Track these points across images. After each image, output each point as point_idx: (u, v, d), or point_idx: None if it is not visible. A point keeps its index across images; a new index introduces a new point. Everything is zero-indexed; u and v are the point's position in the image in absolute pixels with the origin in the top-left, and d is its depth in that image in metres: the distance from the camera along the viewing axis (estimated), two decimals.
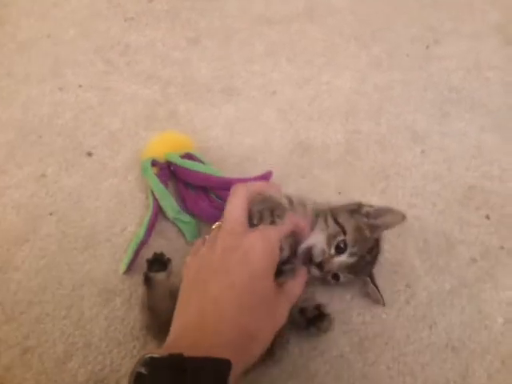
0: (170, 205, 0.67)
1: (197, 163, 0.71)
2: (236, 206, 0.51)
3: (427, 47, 1.00)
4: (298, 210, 0.58)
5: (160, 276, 0.59)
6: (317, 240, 0.55)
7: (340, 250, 0.55)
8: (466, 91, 0.90)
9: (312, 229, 0.56)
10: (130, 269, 0.63)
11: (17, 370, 0.55)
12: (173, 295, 0.48)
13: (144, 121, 0.83)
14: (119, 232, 0.68)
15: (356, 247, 0.55)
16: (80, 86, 0.89)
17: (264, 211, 0.51)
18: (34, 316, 0.59)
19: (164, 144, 0.73)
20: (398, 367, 0.57)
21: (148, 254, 0.63)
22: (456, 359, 0.58)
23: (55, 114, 0.84)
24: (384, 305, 0.61)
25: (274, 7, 1.08)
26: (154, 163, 0.71)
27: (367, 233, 0.56)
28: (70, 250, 0.66)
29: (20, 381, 0.54)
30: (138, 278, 0.62)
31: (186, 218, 0.67)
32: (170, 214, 0.67)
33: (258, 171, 0.71)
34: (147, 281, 0.59)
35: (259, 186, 0.56)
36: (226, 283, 0.45)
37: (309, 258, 0.55)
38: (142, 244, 0.64)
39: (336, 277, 0.57)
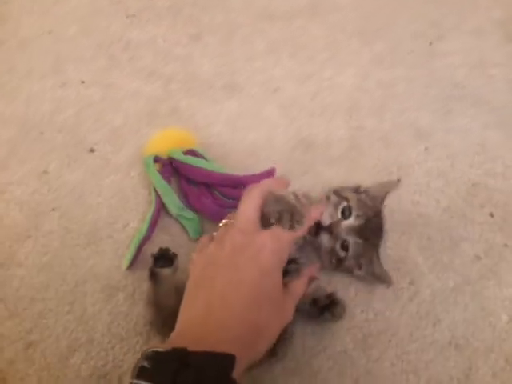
0: (173, 201, 0.67)
1: (199, 159, 0.71)
2: (249, 205, 0.51)
3: (430, 44, 1.00)
4: (303, 203, 0.58)
5: (166, 272, 0.58)
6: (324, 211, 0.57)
7: (346, 215, 0.57)
8: (469, 88, 0.90)
9: None
10: (132, 265, 0.63)
11: (20, 364, 0.55)
12: (178, 291, 0.48)
13: (146, 117, 0.83)
14: (122, 228, 0.68)
15: (361, 211, 0.57)
16: (82, 82, 0.89)
17: (284, 213, 0.51)
18: (36, 311, 0.59)
19: (166, 140, 0.73)
20: (401, 364, 0.57)
21: (151, 250, 0.62)
22: (459, 357, 0.58)
23: (57, 110, 0.84)
24: (391, 284, 0.61)
25: (276, 3, 1.07)
26: (156, 159, 0.71)
27: (369, 202, 0.59)
28: (73, 246, 0.66)
29: (23, 375, 0.54)
30: (141, 274, 0.62)
31: (189, 214, 0.67)
32: (173, 210, 0.67)
33: (261, 168, 0.71)
34: (152, 276, 0.58)
35: (271, 184, 0.55)
36: (234, 280, 0.44)
37: (318, 225, 0.56)
38: (145, 240, 0.64)
39: (345, 246, 0.57)
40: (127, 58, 0.94)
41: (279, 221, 0.50)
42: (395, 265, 0.65)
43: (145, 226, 0.65)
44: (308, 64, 0.94)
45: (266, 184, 0.55)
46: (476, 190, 0.73)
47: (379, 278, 0.61)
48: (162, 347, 0.39)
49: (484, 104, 0.87)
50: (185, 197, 0.70)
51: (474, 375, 0.57)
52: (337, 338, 0.58)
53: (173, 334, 0.43)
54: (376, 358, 0.57)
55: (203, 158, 0.72)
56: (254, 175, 0.69)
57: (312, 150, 0.78)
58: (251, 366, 0.50)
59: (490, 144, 0.80)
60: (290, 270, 0.52)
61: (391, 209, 0.65)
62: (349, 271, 0.61)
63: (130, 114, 0.83)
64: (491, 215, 0.71)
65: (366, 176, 0.75)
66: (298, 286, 0.51)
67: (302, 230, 0.51)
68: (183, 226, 0.67)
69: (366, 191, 0.62)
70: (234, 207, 0.53)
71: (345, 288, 0.62)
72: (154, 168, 0.70)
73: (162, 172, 0.70)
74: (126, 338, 0.58)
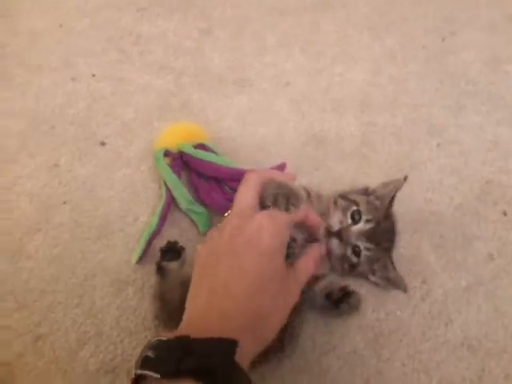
0: (183, 195, 0.67)
1: (210, 153, 0.70)
2: (247, 192, 0.51)
3: (443, 39, 0.99)
4: (314, 201, 0.57)
5: (173, 265, 0.58)
6: (333, 216, 0.57)
7: (356, 219, 0.56)
8: (482, 84, 0.89)
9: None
10: (142, 259, 0.63)
11: (29, 357, 0.55)
12: (184, 285, 0.48)
13: (157, 111, 0.83)
14: (132, 222, 0.68)
15: (370, 215, 0.56)
16: (93, 75, 0.89)
17: (279, 196, 0.50)
18: (46, 304, 0.59)
19: (177, 134, 0.73)
20: (412, 364, 0.56)
21: (161, 243, 0.63)
22: (472, 358, 0.57)
23: (68, 104, 0.84)
24: (406, 290, 0.60)
25: None
26: (166, 153, 0.71)
27: (378, 204, 0.58)
28: (83, 240, 0.66)
29: (31, 368, 0.54)
30: (151, 268, 0.61)
31: (199, 208, 0.67)
32: (183, 204, 0.67)
33: (271, 163, 0.71)
34: (159, 269, 0.58)
35: (272, 173, 0.55)
36: (234, 266, 0.44)
37: (327, 231, 0.56)
38: (155, 234, 0.64)
39: (356, 251, 0.56)
40: (138, 51, 0.94)
41: (275, 204, 0.50)
42: (407, 263, 0.64)
43: (155, 220, 0.65)
44: (319, 59, 0.94)
45: (264, 172, 0.54)
46: (489, 188, 0.73)
47: (394, 283, 0.60)
48: (166, 336, 0.39)
49: (497, 100, 0.86)
50: (195, 191, 0.69)
51: (486, 377, 0.56)
52: (347, 337, 0.58)
53: (180, 326, 0.43)
54: (387, 358, 0.57)
55: (213, 152, 0.72)
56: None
57: (323, 145, 0.78)
58: (259, 363, 0.50)
59: (503, 141, 0.79)
60: (290, 252, 0.52)
61: (403, 207, 0.64)
62: (363, 276, 0.60)
63: (140, 108, 0.83)
64: (504, 213, 0.70)
65: (377, 172, 0.74)
66: (304, 265, 0.50)
67: (298, 215, 0.50)
68: (193, 220, 0.67)
69: (373, 192, 0.61)
70: None
71: (356, 287, 0.61)
72: (164, 162, 0.69)
73: (172, 166, 0.69)
74: (135, 332, 0.57)
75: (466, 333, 0.59)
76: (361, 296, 0.59)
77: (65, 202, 0.70)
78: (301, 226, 0.53)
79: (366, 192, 0.61)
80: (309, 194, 0.57)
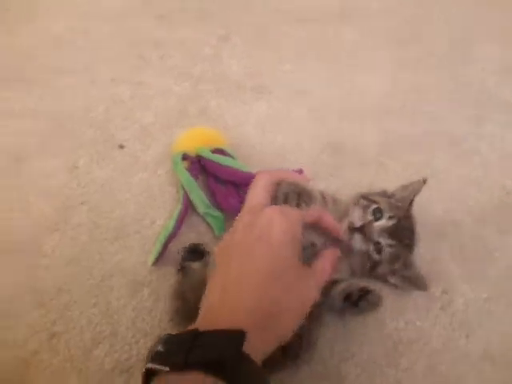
0: (200, 199, 0.67)
1: (228, 158, 0.71)
2: (257, 191, 0.51)
3: (463, 49, 0.99)
4: (329, 205, 0.57)
5: (195, 265, 0.58)
6: (353, 213, 0.58)
7: (377, 216, 0.57)
8: (502, 94, 0.88)
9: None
10: (158, 261, 0.63)
11: (44, 354, 0.55)
12: (204, 285, 0.48)
13: (176, 116, 0.83)
14: (149, 224, 0.68)
15: (392, 212, 0.57)
16: (112, 79, 0.90)
17: (290, 193, 0.50)
18: (62, 303, 0.60)
19: (196, 138, 0.73)
20: (432, 376, 0.55)
21: (177, 247, 0.63)
22: (494, 371, 0.56)
23: (88, 107, 0.85)
24: (426, 289, 0.59)
25: (306, 7, 1.07)
26: (184, 157, 0.71)
27: (398, 204, 0.60)
28: (101, 241, 0.66)
29: (46, 365, 0.54)
30: (166, 270, 0.62)
31: (215, 212, 0.67)
32: (200, 208, 0.67)
33: (288, 169, 0.70)
34: (182, 269, 0.59)
35: (283, 173, 0.55)
36: (246, 264, 0.44)
37: (350, 228, 0.56)
38: (171, 237, 0.64)
39: (378, 248, 0.56)
40: (157, 57, 0.95)
41: (285, 201, 0.50)
42: (427, 273, 0.62)
43: (171, 223, 0.65)
44: (338, 67, 0.94)
45: (276, 172, 0.54)
46: (510, 198, 0.72)
47: (415, 283, 0.59)
48: (176, 331, 0.39)
49: None
50: (212, 195, 0.69)
51: None
52: (366, 345, 0.57)
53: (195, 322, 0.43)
54: (406, 368, 0.56)
55: (231, 157, 0.72)
56: None
57: (341, 153, 0.77)
58: (278, 368, 0.50)
59: None
60: (309, 255, 0.52)
61: (422, 216, 0.63)
62: (383, 278, 0.60)
63: (159, 113, 0.84)
64: None
65: (395, 181, 0.72)
66: (320, 266, 0.49)
67: (311, 214, 0.50)
68: (209, 224, 0.67)
69: (393, 195, 0.62)
70: None
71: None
72: (182, 165, 0.70)
73: (189, 170, 0.70)
74: (151, 333, 0.57)
75: (488, 345, 0.58)
76: (380, 295, 0.58)
77: (83, 203, 0.70)
78: (317, 228, 0.53)
79: (384, 194, 0.62)
80: (324, 198, 0.57)
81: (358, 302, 0.56)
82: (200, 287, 0.46)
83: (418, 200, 0.69)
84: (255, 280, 0.43)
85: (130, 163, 0.76)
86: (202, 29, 1.02)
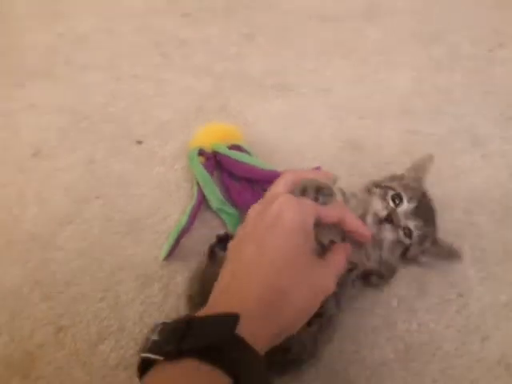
0: (214, 194, 0.65)
1: (244, 154, 0.69)
2: (276, 186, 0.50)
3: (490, 50, 0.95)
4: (351, 201, 0.55)
5: (222, 254, 0.56)
6: (374, 204, 0.57)
7: (398, 201, 0.56)
8: None
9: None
10: (169, 256, 0.61)
11: (49, 348, 0.54)
12: None
13: (195, 112, 0.83)
14: (162, 219, 0.67)
15: (410, 193, 0.57)
16: (134, 76, 0.90)
17: (308, 187, 0.48)
18: (70, 296, 0.58)
19: (212, 134, 0.72)
20: (444, 380, 0.52)
21: (189, 243, 0.62)
22: (510, 378, 0.52)
23: (108, 102, 0.85)
24: (460, 257, 0.58)
25: (330, 6, 1.06)
26: (201, 152, 0.70)
27: (413, 184, 0.59)
28: (113, 234, 0.65)
29: (51, 359, 0.53)
30: (177, 266, 0.60)
31: (230, 209, 0.65)
32: (214, 204, 0.65)
33: (307, 167, 0.68)
34: (210, 254, 0.57)
35: (310, 174, 0.53)
36: (256, 253, 0.42)
37: (376, 220, 0.55)
38: (184, 232, 0.62)
39: (407, 233, 0.55)
40: (180, 55, 0.95)
41: (303, 193, 0.49)
42: (443, 275, 0.60)
43: (184, 218, 0.63)
44: (361, 66, 0.92)
45: (301, 171, 0.54)
46: None
47: (448, 255, 0.59)
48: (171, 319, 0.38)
49: None
50: (226, 191, 0.68)
51: None
52: (376, 348, 0.54)
53: None
54: (417, 372, 0.52)
55: (247, 153, 0.70)
56: None
57: (361, 152, 0.75)
58: (283, 369, 0.47)
59: None
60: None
61: (442, 217, 0.61)
62: (414, 260, 0.59)
63: (179, 109, 0.83)
64: None
65: None
66: (336, 258, 0.47)
67: (328, 211, 0.48)
68: (223, 221, 0.65)
69: (403, 176, 0.62)
70: None
71: (387, 298, 0.58)
72: (198, 161, 0.68)
73: (205, 166, 0.68)
74: None
75: (504, 350, 0.54)
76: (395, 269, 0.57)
77: (98, 197, 0.70)
78: (338, 228, 0.50)
79: (395, 178, 0.61)
80: (344, 194, 0.55)
81: (368, 276, 0.56)
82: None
83: (438, 199, 0.66)
84: (264, 267, 0.41)
85: (147, 158, 0.75)
86: (226, 27, 1.01)
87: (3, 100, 0.87)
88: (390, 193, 0.57)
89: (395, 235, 0.55)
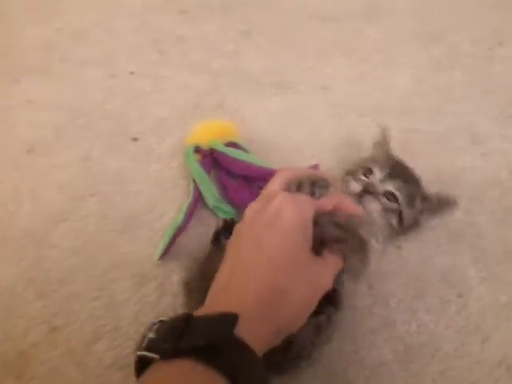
0: (211, 192, 0.65)
1: (241, 152, 0.68)
2: (274, 183, 0.50)
3: (490, 49, 0.95)
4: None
5: (225, 242, 0.56)
6: (349, 186, 0.58)
7: (368, 174, 0.58)
8: None
9: None
10: (165, 254, 0.60)
11: (43, 347, 0.53)
12: None
13: (192, 109, 0.82)
14: (158, 217, 0.66)
15: (379, 164, 0.58)
16: (131, 73, 0.89)
17: (304, 182, 0.48)
18: (65, 295, 0.58)
19: (209, 131, 0.71)
20: (444, 382, 0.51)
21: (185, 241, 0.61)
22: (511, 380, 0.51)
23: (105, 99, 0.84)
24: (456, 201, 0.59)
25: (329, 5, 1.05)
26: (197, 150, 0.69)
27: (380, 158, 0.60)
28: (108, 232, 0.64)
29: (45, 358, 0.52)
30: (173, 265, 0.59)
31: (226, 207, 0.64)
32: (210, 201, 0.64)
33: (305, 164, 0.68)
34: (215, 240, 0.58)
35: (306, 171, 0.53)
36: (254, 252, 0.42)
37: (358, 197, 0.56)
38: (180, 230, 0.62)
39: (391, 198, 0.56)
40: (177, 52, 0.94)
41: (298, 189, 0.49)
42: (443, 275, 0.60)
43: (180, 216, 0.62)
44: (361, 65, 0.91)
45: (298, 169, 0.54)
46: None
47: (444, 205, 0.60)
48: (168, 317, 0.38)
49: None
50: (223, 189, 0.67)
51: None
52: (375, 348, 0.53)
53: None
54: (416, 373, 0.52)
55: (244, 150, 0.69)
56: None
57: (359, 149, 0.74)
58: (281, 370, 0.47)
59: None
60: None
61: (442, 216, 0.62)
62: (415, 225, 0.59)
63: (176, 106, 0.83)
64: None
65: None
66: (333, 256, 0.47)
67: (325, 203, 0.48)
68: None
69: (368, 157, 0.63)
70: None
71: (386, 298, 0.58)
72: (194, 158, 0.68)
73: (202, 163, 0.67)
74: None
75: (505, 351, 0.53)
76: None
77: (93, 194, 0.69)
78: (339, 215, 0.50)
79: (361, 159, 0.63)
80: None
81: None
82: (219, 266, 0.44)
83: None
84: (263, 266, 0.41)
85: (144, 155, 0.74)
86: (223, 24, 1.01)
87: None
88: (360, 171, 0.58)
89: (380, 204, 0.55)
